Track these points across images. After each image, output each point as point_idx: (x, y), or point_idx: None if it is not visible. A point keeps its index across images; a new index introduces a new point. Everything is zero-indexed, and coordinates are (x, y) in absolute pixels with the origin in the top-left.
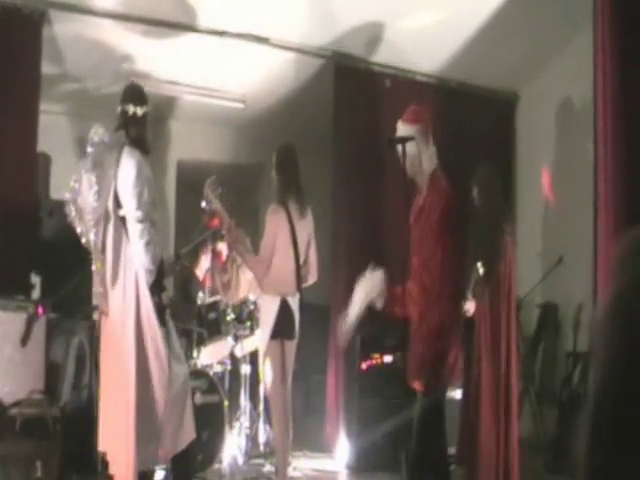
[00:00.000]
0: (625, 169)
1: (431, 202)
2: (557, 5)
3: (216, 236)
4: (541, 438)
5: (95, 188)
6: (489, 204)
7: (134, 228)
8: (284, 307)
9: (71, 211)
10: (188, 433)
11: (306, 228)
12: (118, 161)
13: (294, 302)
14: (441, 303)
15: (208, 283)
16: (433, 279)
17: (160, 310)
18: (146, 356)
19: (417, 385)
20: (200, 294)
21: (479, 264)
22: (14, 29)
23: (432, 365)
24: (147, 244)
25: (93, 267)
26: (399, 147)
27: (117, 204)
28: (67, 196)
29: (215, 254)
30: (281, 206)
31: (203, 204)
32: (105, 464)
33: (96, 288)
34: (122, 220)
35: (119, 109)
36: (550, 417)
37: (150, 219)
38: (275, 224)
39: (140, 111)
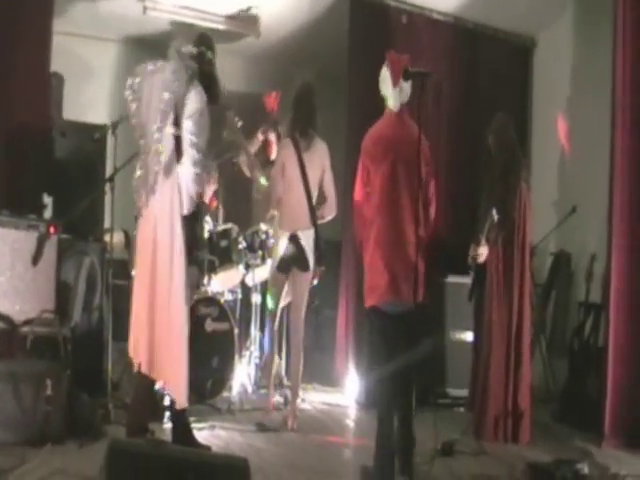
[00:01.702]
0: None
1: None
2: None
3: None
4: (550, 387)
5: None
6: (504, 152)
7: (190, 154)
8: (293, 241)
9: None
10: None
11: (317, 162)
12: (189, 86)
13: (306, 236)
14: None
15: (213, 206)
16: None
17: (192, 242)
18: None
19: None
20: (207, 218)
21: (494, 210)
22: None
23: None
24: (198, 175)
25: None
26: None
27: (177, 124)
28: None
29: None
30: (290, 140)
31: (224, 134)
32: (115, 386)
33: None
34: (179, 140)
35: (194, 49)
36: (560, 366)
37: (204, 154)
38: (282, 156)
39: (211, 54)
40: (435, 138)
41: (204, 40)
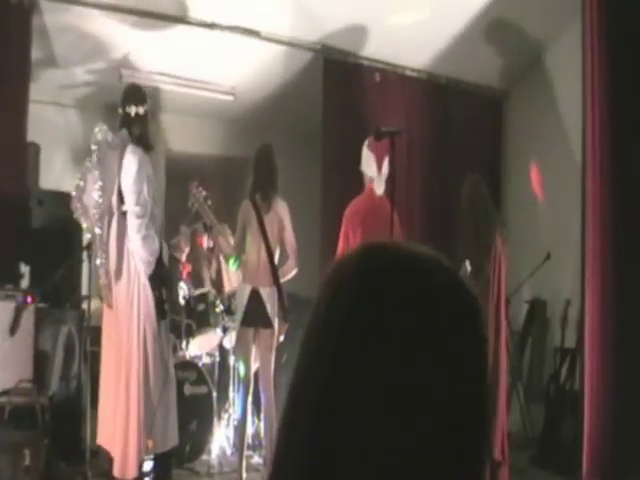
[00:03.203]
0: (613, 166)
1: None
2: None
3: (204, 227)
4: (528, 433)
5: (99, 184)
6: (477, 212)
7: (133, 222)
8: (254, 296)
9: (77, 208)
10: (172, 438)
11: (276, 220)
12: (121, 159)
13: (268, 293)
14: None
15: (186, 274)
16: None
17: (159, 304)
18: (146, 349)
19: None
20: (181, 284)
21: (467, 262)
22: (4, 18)
23: None
24: (144, 238)
25: (97, 261)
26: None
27: (120, 200)
28: (73, 194)
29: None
30: (250, 202)
31: (189, 204)
32: (93, 454)
33: (101, 280)
34: (125, 215)
35: (120, 110)
36: (537, 412)
37: (149, 214)
38: (242, 217)
39: (141, 110)
40: (408, 192)
41: (126, 98)
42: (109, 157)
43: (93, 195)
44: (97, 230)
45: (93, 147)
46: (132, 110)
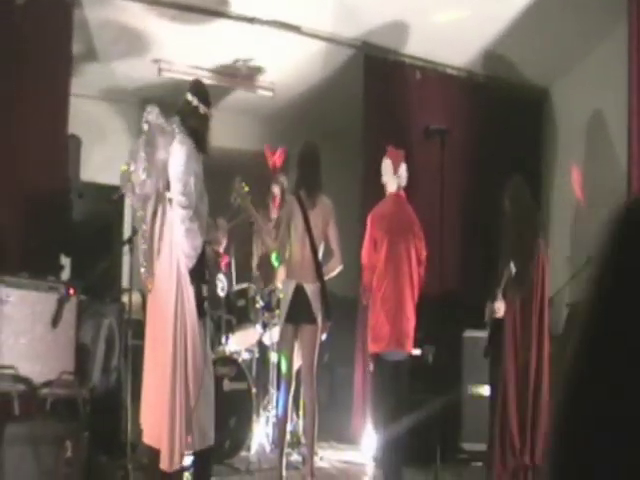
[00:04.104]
0: None
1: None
2: (591, 1)
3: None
4: None
5: (144, 164)
6: (520, 215)
7: (178, 212)
8: (299, 292)
9: (125, 186)
10: (209, 436)
11: (322, 218)
12: (170, 145)
13: (312, 289)
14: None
15: (225, 265)
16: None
17: (199, 300)
18: (185, 342)
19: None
20: (220, 276)
21: (511, 264)
22: (46, 12)
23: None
24: (188, 230)
25: (141, 244)
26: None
27: (168, 186)
28: (121, 174)
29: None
30: (294, 198)
31: (232, 200)
32: (133, 447)
33: (141, 264)
34: (170, 204)
35: (183, 97)
36: None
37: (194, 208)
38: (287, 213)
39: (202, 109)
40: (447, 192)
41: (192, 88)
42: (158, 140)
43: (139, 174)
44: (140, 212)
45: (144, 127)
46: (194, 102)
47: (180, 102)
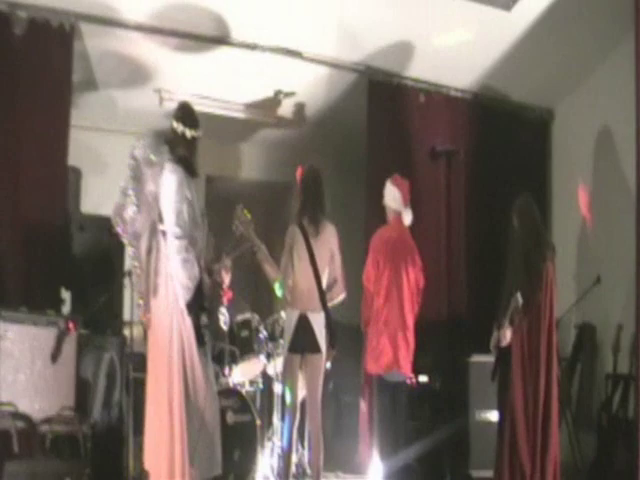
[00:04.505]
0: None
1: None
2: (595, 19)
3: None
4: (578, 463)
5: (133, 201)
6: (528, 234)
7: (172, 244)
8: (302, 321)
9: (117, 223)
10: (215, 466)
11: (325, 245)
12: (160, 176)
13: (316, 318)
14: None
15: (227, 300)
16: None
17: (198, 330)
18: (186, 375)
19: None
20: (222, 310)
21: (518, 294)
22: (45, 43)
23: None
24: (184, 261)
25: (136, 276)
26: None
27: (160, 219)
28: (113, 210)
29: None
30: (296, 225)
31: (233, 228)
32: None
33: (137, 303)
34: (165, 236)
35: (170, 125)
36: (587, 441)
37: (189, 237)
38: (290, 242)
39: (189, 133)
40: (453, 214)
41: (176, 114)
42: (146, 174)
43: (128, 211)
44: (131, 249)
45: (130, 162)
46: (179, 129)
47: (169, 132)
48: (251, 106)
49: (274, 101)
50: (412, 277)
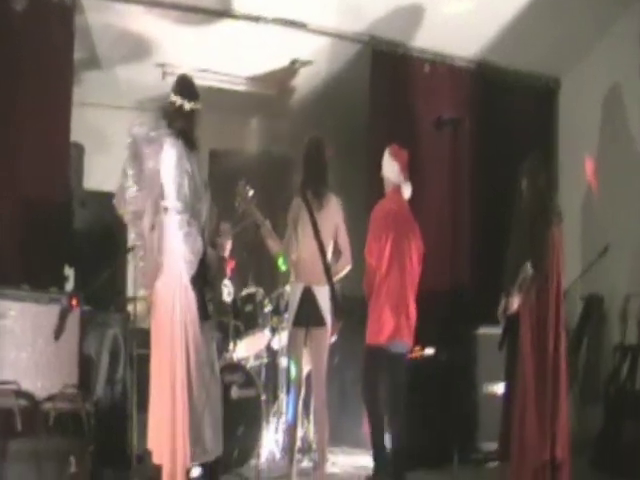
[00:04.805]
0: None
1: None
2: None
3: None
4: (585, 434)
5: (133, 179)
6: (536, 196)
7: (174, 219)
8: (307, 295)
9: (120, 204)
10: (217, 446)
11: (329, 218)
12: (160, 152)
13: (321, 291)
14: None
15: (230, 270)
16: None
17: (202, 305)
18: (188, 351)
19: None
20: (226, 282)
21: (528, 264)
22: (46, 18)
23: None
24: (186, 235)
25: (139, 256)
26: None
27: (162, 195)
28: (115, 192)
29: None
30: (300, 198)
31: (236, 205)
32: (139, 459)
33: (141, 278)
34: (167, 212)
35: (169, 98)
36: (594, 413)
37: (191, 211)
38: (294, 215)
39: (188, 105)
40: (457, 185)
41: (175, 87)
42: (145, 152)
43: (129, 192)
44: (134, 227)
45: (128, 141)
46: (177, 102)
47: (166, 104)
48: (255, 78)
49: (290, 70)
50: (413, 248)
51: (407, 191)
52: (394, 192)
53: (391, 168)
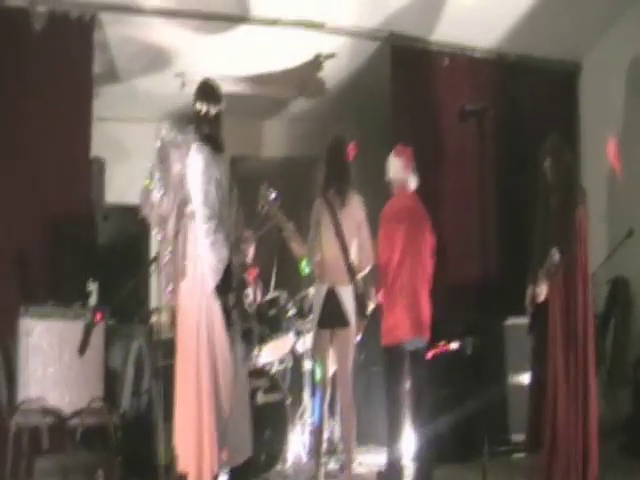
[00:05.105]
0: None
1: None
2: None
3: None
4: (614, 420)
5: (160, 184)
6: (561, 175)
7: (201, 226)
8: (331, 296)
9: (145, 208)
10: (246, 449)
11: (351, 216)
12: (187, 156)
13: (345, 291)
14: None
15: (253, 278)
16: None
17: (227, 312)
18: (215, 358)
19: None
20: (248, 291)
21: (555, 250)
22: (65, 35)
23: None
24: (213, 243)
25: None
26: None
27: (189, 200)
28: (140, 194)
29: None
30: (322, 198)
31: (259, 208)
32: (166, 469)
33: (166, 284)
34: (193, 218)
35: (193, 107)
36: (622, 397)
37: (218, 218)
38: (316, 215)
39: (213, 110)
40: (487, 174)
41: (197, 94)
42: (173, 156)
43: (154, 194)
44: (159, 233)
45: (156, 145)
46: (203, 108)
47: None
48: (276, 81)
49: (314, 64)
50: (424, 242)
51: (413, 183)
52: (401, 189)
53: (394, 167)
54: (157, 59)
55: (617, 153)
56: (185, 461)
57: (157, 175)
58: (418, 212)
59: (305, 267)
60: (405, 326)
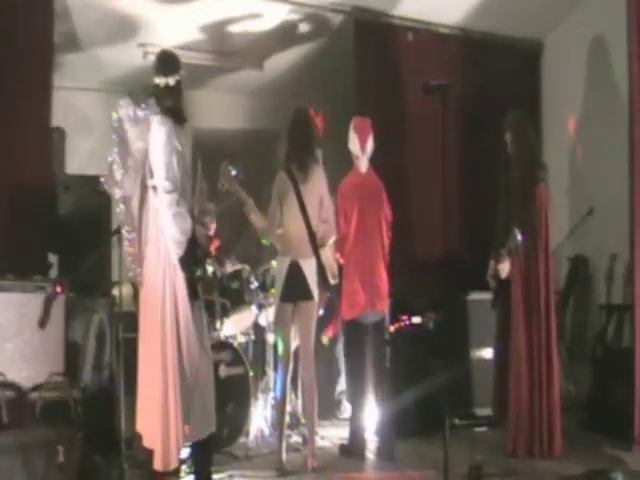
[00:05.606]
0: None
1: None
2: None
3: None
4: (573, 395)
5: (118, 161)
6: (523, 149)
7: (163, 198)
8: (294, 269)
9: (109, 184)
10: (209, 424)
11: (314, 190)
12: (148, 131)
13: (308, 264)
14: None
15: (215, 249)
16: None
17: (192, 283)
18: (179, 331)
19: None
20: (210, 260)
21: (516, 230)
22: (25, 1)
23: None
24: (175, 215)
25: (126, 236)
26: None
27: (150, 174)
28: (105, 170)
29: None
30: (284, 172)
31: (219, 185)
32: (128, 444)
33: (128, 261)
34: (155, 191)
35: (153, 79)
36: (582, 373)
37: (181, 190)
38: (278, 190)
39: (172, 81)
40: (450, 149)
41: (155, 65)
42: (132, 132)
43: (116, 175)
44: (122, 207)
45: (114, 124)
46: (161, 81)
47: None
48: (238, 54)
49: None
50: (380, 217)
51: (363, 165)
52: (358, 163)
53: (352, 141)
54: (120, 28)
55: (577, 129)
56: (150, 437)
57: (117, 155)
58: (374, 187)
59: (265, 240)
60: (362, 300)
